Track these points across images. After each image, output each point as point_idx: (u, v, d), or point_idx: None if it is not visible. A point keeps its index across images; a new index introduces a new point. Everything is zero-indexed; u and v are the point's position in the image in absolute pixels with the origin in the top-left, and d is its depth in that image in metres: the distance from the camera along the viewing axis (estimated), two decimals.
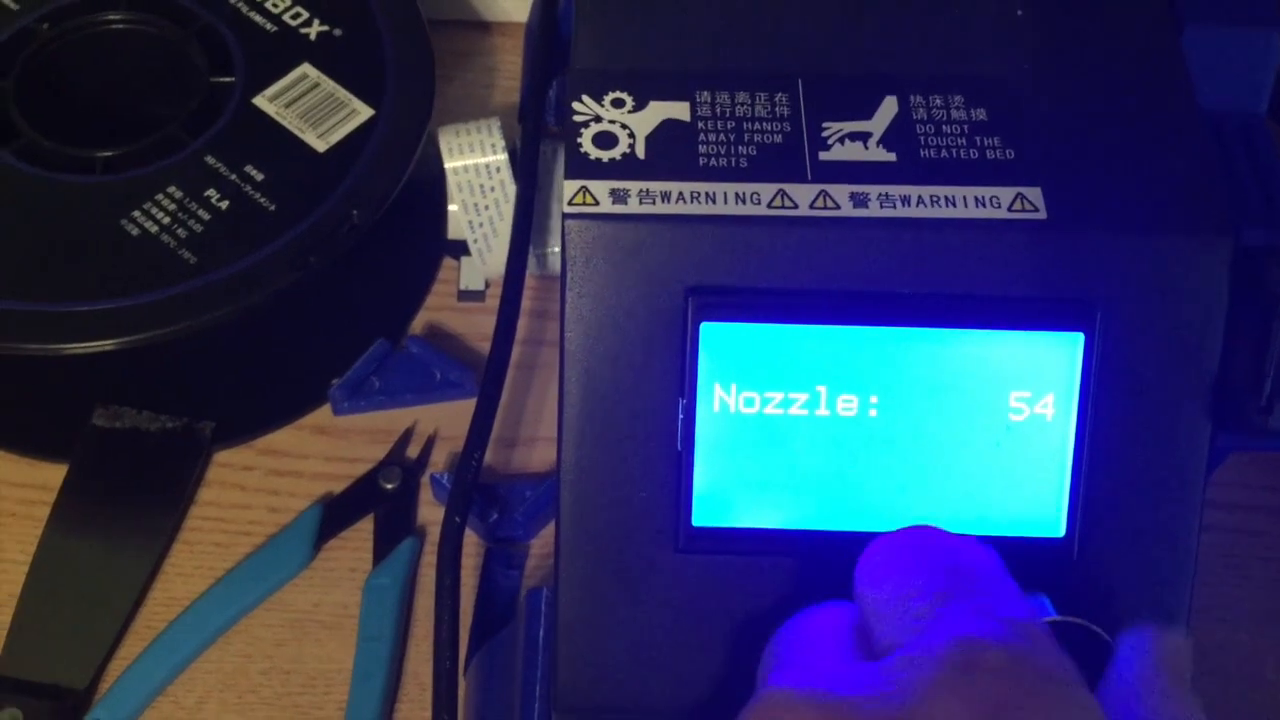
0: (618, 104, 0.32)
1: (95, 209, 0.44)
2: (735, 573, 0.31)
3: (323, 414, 0.47)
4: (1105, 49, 0.33)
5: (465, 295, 0.49)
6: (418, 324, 0.49)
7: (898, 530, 0.28)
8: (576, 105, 0.31)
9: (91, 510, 0.44)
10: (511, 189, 0.46)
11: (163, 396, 0.46)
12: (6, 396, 0.47)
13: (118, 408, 0.46)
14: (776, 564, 0.31)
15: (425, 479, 0.46)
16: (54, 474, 0.45)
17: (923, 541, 0.28)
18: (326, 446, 0.46)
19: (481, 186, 0.46)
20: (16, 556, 0.43)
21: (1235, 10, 0.33)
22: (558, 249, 0.43)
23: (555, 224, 0.44)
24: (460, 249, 0.48)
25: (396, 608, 0.42)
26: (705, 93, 0.32)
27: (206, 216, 0.44)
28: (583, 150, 0.31)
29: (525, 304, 0.42)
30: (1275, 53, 0.33)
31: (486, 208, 0.46)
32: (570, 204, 0.30)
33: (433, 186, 0.47)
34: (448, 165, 0.46)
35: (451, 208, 0.47)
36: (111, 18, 0.49)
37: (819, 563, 0.30)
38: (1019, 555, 0.30)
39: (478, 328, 0.49)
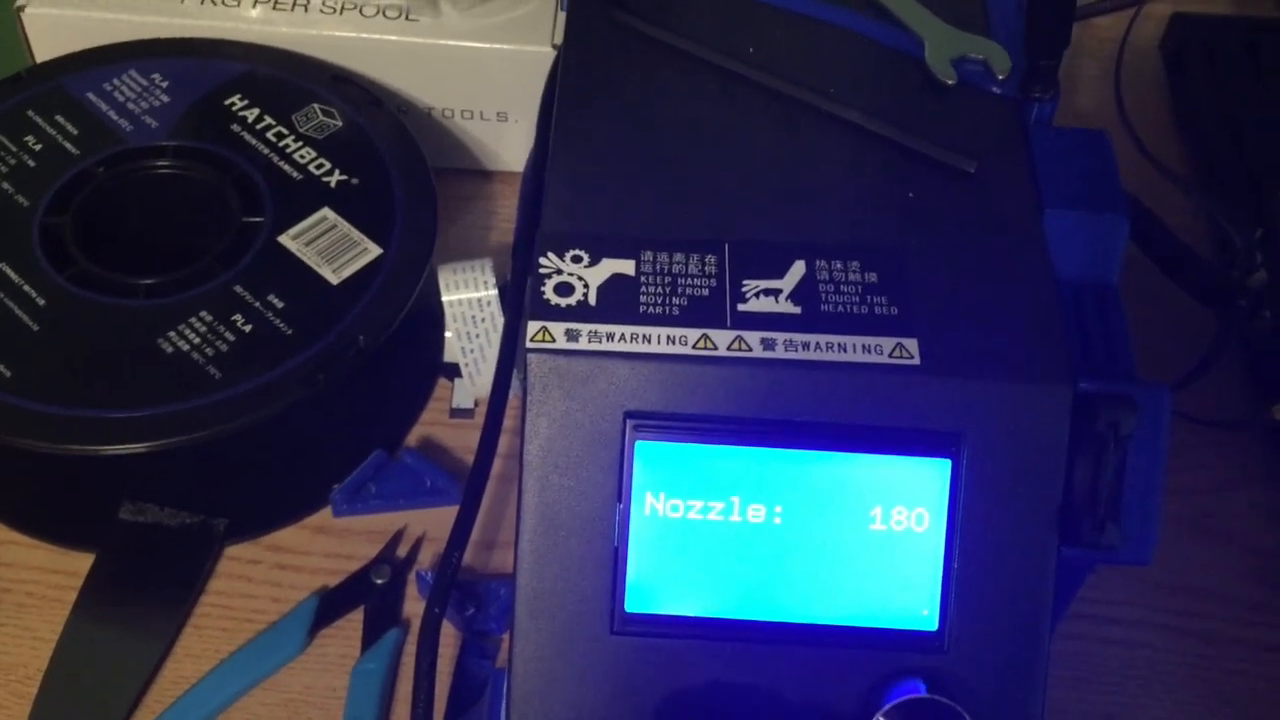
0: (576, 260, 0.37)
1: (136, 328, 0.49)
2: (661, 652, 0.36)
3: (324, 515, 0.51)
4: (978, 227, 0.38)
5: (456, 412, 0.54)
6: (413, 437, 0.53)
7: None
8: (542, 260, 0.37)
9: (113, 595, 0.48)
10: (500, 321, 0.50)
11: (183, 495, 0.50)
12: (44, 492, 0.51)
13: (143, 504, 0.50)
14: (695, 645, 0.35)
15: (412, 576, 0.49)
16: (82, 562, 0.49)
17: None
18: (326, 544, 0.50)
19: (474, 318, 0.50)
20: (44, 635, 0.47)
21: (1089, 198, 0.39)
22: None
23: None
24: (453, 371, 0.52)
25: (379, 692, 0.46)
26: (648, 253, 0.37)
27: (232, 338, 0.49)
28: (545, 296, 0.36)
29: (508, 423, 0.44)
30: (1123, 234, 0.39)
31: (478, 336, 0.51)
32: (532, 340, 0.35)
33: (431, 316, 0.51)
34: (445, 299, 0.50)
35: (447, 335, 0.51)
36: (159, 163, 0.54)
37: (731, 645, 0.35)
38: (899, 645, 0.35)
39: (467, 441, 0.53)
